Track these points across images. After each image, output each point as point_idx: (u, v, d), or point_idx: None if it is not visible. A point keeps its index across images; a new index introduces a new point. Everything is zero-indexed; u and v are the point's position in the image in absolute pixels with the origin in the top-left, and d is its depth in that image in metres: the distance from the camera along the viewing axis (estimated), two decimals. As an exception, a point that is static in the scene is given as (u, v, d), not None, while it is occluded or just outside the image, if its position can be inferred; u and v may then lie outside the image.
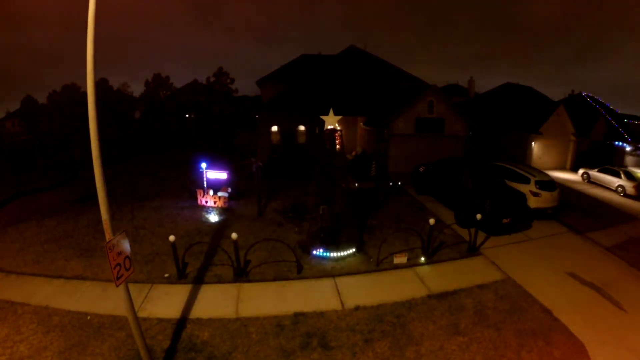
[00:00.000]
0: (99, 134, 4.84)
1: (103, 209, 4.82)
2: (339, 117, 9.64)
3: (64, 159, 22.90)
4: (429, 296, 8.06)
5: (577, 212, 14.24)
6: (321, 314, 7.28)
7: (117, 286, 4.90)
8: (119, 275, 4.82)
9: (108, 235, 4.80)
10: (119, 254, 4.89)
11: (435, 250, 10.11)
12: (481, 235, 10.89)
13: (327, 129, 9.67)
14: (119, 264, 4.85)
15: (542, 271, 9.44)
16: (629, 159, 23.43)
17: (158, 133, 31.42)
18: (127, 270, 4.99)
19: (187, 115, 34.46)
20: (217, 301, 7.71)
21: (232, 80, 35.94)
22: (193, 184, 15.33)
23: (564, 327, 7.18)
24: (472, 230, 10.35)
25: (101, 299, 7.75)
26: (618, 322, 7.46)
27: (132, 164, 22.06)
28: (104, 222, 4.83)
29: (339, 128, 9.72)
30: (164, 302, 7.64)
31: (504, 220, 11.48)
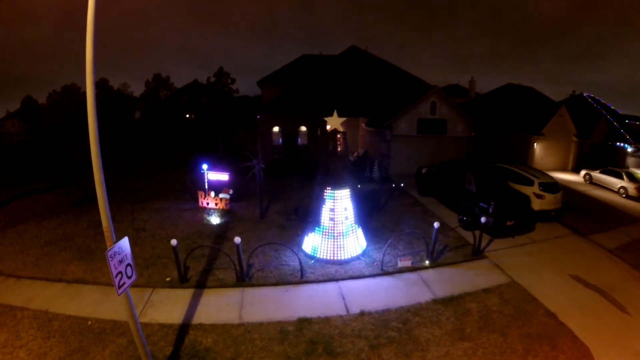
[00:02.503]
0: (99, 135, 4.73)
1: (103, 216, 4.70)
2: (343, 119, 9.54)
3: (63, 159, 22.77)
4: (435, 300, 7.99)
5: (579, 214, 14.18)
6: (326, 319, 7.20)
7: (119, 295, 4.77)
8: (120, 284, 4.69)
9: (109, 243, 4.67)
10: (121, 261, 4.77)
11: (440, 253, 10.04)
12: (485, 238, 10.84)
13: (329, 130, 9.59)
14: (120, 272, 4.72)
15: (546, 274, 9.40)
16: (630, 160, 23.37)
17: (158, 133, 31.33)
18: (129, 278, 4.87)
19: (187, 116, 34.40)
20: (220, 306, 7.62)
21: (233, 81, 35.97)
22: (194, 186, 15.23)
23: (569, 331, 7.13)
24: (477, 233, 10.29)
25: (102, 304, 7.66)
26: (623, 326, 7.42)
27: (131, 164, 21.96)
28: (104, 230, 4.71)
29: (340, 129, 9.63)
30: (166, 307, 7.55)
31: (508, 223, 11.42)
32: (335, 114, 9.49)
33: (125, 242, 4.86)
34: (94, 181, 4.72)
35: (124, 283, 4.75)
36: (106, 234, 4.67)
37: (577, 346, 6.72)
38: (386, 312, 7.50)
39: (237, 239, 8.12)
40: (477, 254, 10.26)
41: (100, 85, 34.71)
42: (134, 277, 5.01)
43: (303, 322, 7.08)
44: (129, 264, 4.86)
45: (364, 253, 9.95)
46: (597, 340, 6.86)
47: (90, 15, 4.36)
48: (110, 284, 8.35)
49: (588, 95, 28.19)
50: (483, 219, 10.12)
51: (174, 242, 8.12)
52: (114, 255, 4.63)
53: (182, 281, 8.44)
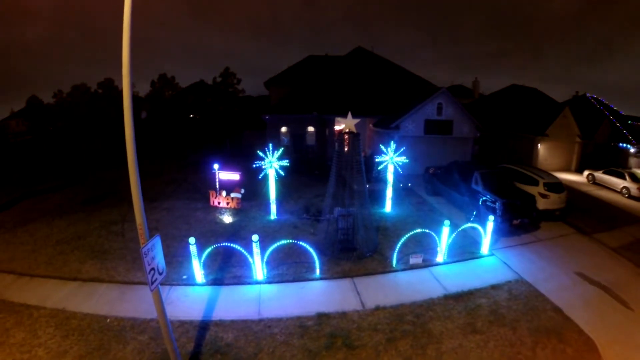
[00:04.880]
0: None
1: (138, 214, 4.86)
2: (356, 120, 9.76)
3: (72, 158, 22.92)
4: (446, 296, 8.25)
5: (583, 213, 14.38)
6: (343, 314, 7.43)
7: (152, 291, 4.97)
8: (153, 280, 4.89)
9: (143, 240, 4.85)
10: (153, 258, 4.97)
11: (449, 251, 10.26)
12: (492, 236, 11.06)
13: (337, 131, 9.84)
14: (153, 269, 4.91)
15: (552, 271, 9.64)
16: (633, 161, 23.56)
17: (164, 133, 31.45)
18: (160, 274, 5.09)
19: (191, 116, 34.54)
20: (238, 302, 7.82)
21: (239, 81, 36.09)
22: (205, 185, 15.39)
23: (575, 325, 7.39)
24: (484, 232, 10.51)
25: (119, 302, 7.74)
26: (626, 321, 7.68)
27: (138, 164, 22.05)
28: (138, 227, 4.88)
29: (354, 131, 9.83)
30: (184, 305, 7.67)
31: (514, 222, 11.66)
32: (349, 115, 9.71)
33: (157, 240, 5.06)
34: (130, 181, 4.89)
35: (156, 279, 4.96)
36: (140, 232, 4.84)
37: (583, 339, 6.99)
38: (400, 307, 7.75)
39: (255, 237, 8.35)
40: (485, 252, 10.49)
41: (105, 85, 34.95)
42: (164, 274, 5.23)
43: (321, 317, 7.30)
44: (160, 261, 5.07)
45: (376, 251, 10.21)
46: (602, 334, 7.11)
47: (126, 17, 4.54)
48: (126, 282, 8.62)
49: (591, 96, 28.37)
50: (490, 218, 10.36)
51: (192, 240, 8.33)
52: (148, 252, 4.81)
53: (198, 279, 8.61)
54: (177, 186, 16.87)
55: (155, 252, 5.05)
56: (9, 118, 45.76)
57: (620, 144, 24.70)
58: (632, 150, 24.06)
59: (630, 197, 17.41)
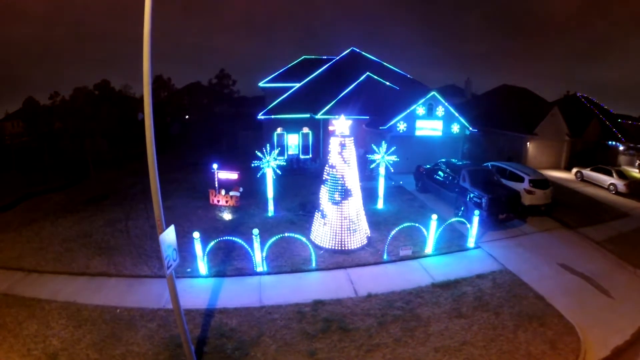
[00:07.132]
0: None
1: (156, 207, 5.35)
2: (349, 122, 10.27)
3: (73, 160, 23.19)
4: (433, 284, 8.80)
5: (570, 209, 14.91)
6: (338, 301, 7.97)
7: (167, 276, 5.47)
8: (168, 265, 5.39)
9: (160, 230, 5.35)
10: (169, 246, 5.48)
11: (437, 243, 10.78)
12: (479, 230, 11.60)
13: (332, 131, 10.32)
14: (168, 255, 5.44)
15: (536, 262, 10.17)
16: (622, 158, 24.21)
17: (160, 134, 31.79)
18: (174, 261, 5.61)
19: (187, 117, 34.87)
20: (240, 292, 8.33)
21: (234, 82, 36.49)
22: (203, 185, 15.79)
23: (556, 311, 7.91)
24: (471, 225, 11.06)
25: (128, 294, 8.15)
26: (606, 308, 8.21)
27: (137, 164, 22.24)
28: (156, 219, 5.38)
29: (340, 132, 10.30)
30: (189, 295, 8.07)
31: (500, 216, 12.22)
32: (343, 117, 10.23)
33: (172, 230, 5.57)
34: (150, 181, 5.32)
35: (171, 265, 5.49)
36: (158, 223, 5.33)
37: (563, 323, 7.51)
38: (391, 294, 8.30)
39: (255, 230, 8.88)
40: (471, 244, 11.02)
41: (102, 87, 35.07)
42: (178, 260, 5.74)
43: (317, 304, 7.83)
44: (174, 249, 5.59)
45: (369, 244, 10.75)
46: (582, 319, 7.63)
47: (147, 24, 4.96)
48: (133, 275, 9.10)
49: (581, 95, 29.07)
50: (477, 213, 10.93)
51: (196, 234, 8.82)
52: (164, 240, 5.33)
53: (202, 271, 9.08)
54: (177, 185, 17.20)
55: (170, 240, 5.55)
56: (4, 120, 45.71)
57: (610, 142, 25.39)
58: (621, 147, 24.76)
59: (617, 193, 17.95)
